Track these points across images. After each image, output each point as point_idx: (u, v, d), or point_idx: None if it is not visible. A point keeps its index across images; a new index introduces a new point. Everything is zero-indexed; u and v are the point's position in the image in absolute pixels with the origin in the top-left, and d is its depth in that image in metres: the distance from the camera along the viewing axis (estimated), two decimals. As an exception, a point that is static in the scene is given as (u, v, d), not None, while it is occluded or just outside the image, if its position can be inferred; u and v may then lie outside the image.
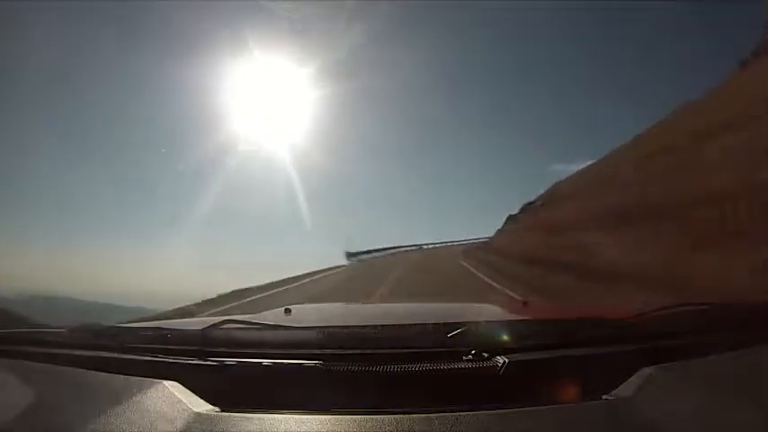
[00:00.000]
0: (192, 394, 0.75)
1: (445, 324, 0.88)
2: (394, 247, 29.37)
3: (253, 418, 0.67)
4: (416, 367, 0.75)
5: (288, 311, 1.41)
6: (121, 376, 0.83)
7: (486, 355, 0.76)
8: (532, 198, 24.90)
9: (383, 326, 1.01)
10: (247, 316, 1.18)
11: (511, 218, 25.51)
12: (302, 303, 2.19)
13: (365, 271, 15.86)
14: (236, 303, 8.20)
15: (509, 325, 0.92)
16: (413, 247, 32.94)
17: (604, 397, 0.69)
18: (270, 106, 16.21)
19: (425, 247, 34.64)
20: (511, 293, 7.23)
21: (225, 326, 0.96)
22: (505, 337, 0.83)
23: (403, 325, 1.09)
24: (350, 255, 23.20)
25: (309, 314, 1.66)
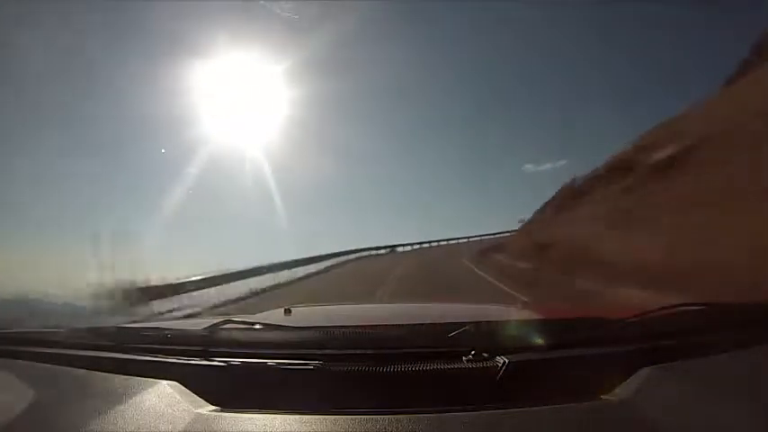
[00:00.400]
0: (193, 394, 0.75)
1: (445, 324, 0.88)
2: (339, 254, 19.37)
3: (253, 418, 0.67)
4: (416, 367, 0.75)
5: (288, 311, 1.40)
6: (121, 376, 0.83)
7: (486, 355, 0.76)
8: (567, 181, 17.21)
9: (383, 326, 1.01)
10: (247, 316, 1.18)
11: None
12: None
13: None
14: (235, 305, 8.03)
15: (509, 325, 0.92)
16: (382, 251, 26.01)
17: (604, 397, 0.69)
18: (246, 105, 16.01)
19: (401, 249, 28.24)
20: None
21: (225, 326, 0.96)
22: (505, 337, 0.83)
23: (403, 325, 1.09)
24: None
25: (309, 314, 1.66)
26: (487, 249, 17.50)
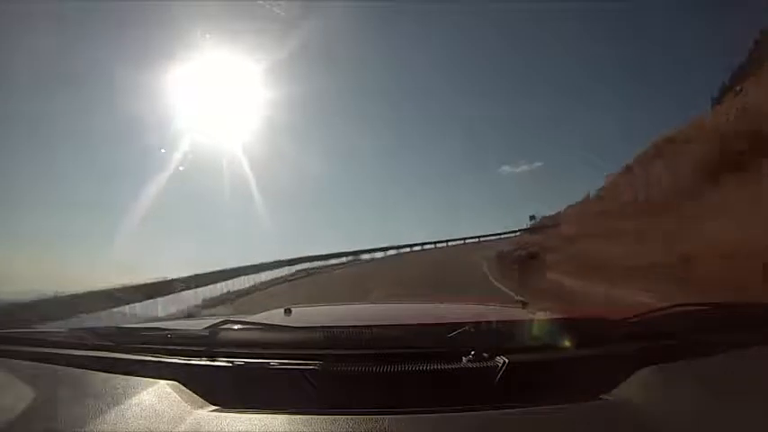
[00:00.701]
0: (193, 394, 0.76)
1: (445, 324, 0.88)
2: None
3: (253, 418, 0.67)
4: (416, 367, 0.75)
5: (288, 312, 1.40)
6: (121, 376, 0.83)
7: (485, 355, 0.76)
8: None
9: (383, 326, 1.01)
10: (248, 316, 1.18)
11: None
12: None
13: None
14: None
15: (509, 325, 0.92)
16: (332, 260, 18.08)
17: (604, 397, 0.69)
18: (222, 104, 15.35)
19: (368, 256, 20.60)
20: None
21: (225, 326, 0.96)
22: (505, 338, 0.83)
23: (403, 325, 1.09)
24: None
25: (309, 314, 1.66)
26: (527, 267, 10.07)
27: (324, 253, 18.17)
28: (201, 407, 0.72)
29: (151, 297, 8.61)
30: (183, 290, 10.02)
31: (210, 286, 11.25)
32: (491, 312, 1.59)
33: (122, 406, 0.72)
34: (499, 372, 0.73)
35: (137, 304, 7.92)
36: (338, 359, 0.79)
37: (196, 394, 0.76)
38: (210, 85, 14.03)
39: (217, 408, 0.72)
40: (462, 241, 28.53)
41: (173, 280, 9.90)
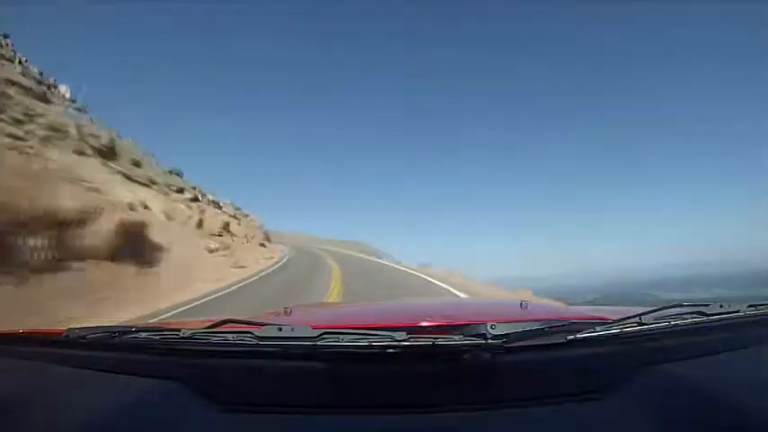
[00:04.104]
0: (193, 394, 0.76)
1: (445, 324, 0.88)
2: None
3: (253, 418, 0.68)
4: (416, 367, 0.75)
5: (288, 311, 1.40)
6: (121, 376, 0.83)
7: (486, 354, 0.76)
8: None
9: (383, 326, 1.02)
10: (248, 316, 1.18)
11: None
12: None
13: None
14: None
15: (509, 325, 0.92)
16: None
17: (604, 397, 0.70)
18: None
19: None
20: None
21: (225, 326, 0.96)
22: (505, 338, 0.83)
23: (403, 325, 1.09)
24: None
25: (310, 314, 1.66)
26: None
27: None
28: (202, 407, 0.72)
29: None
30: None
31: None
32: (490, 312, 1.59)
33: (122, 406, 0.72)
34: (498, 372, 0.73)
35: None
36: (338, 359, 0.79)
37: (196, 394, 0.76)
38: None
39: (216, 408, 0.72)
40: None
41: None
